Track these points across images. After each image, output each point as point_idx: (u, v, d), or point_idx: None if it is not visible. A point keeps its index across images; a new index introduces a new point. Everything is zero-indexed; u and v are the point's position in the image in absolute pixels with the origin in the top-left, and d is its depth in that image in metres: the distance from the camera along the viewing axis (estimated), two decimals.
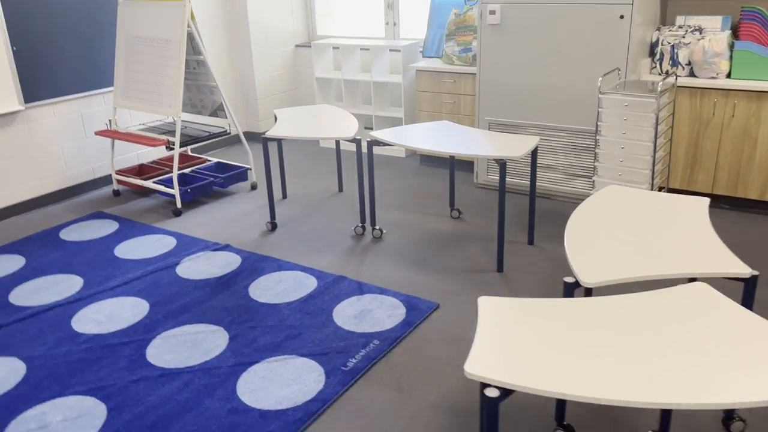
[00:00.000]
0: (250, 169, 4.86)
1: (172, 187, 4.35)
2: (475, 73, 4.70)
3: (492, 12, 4.21)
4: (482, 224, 4.06)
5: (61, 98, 4.56)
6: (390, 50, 5.65)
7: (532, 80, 4.21)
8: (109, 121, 4.80)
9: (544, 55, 4.12)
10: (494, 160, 3.23)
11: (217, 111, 4.64)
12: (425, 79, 4.96)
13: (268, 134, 3.79)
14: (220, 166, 4.97)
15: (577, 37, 3.96)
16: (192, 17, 4.25)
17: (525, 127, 4.35)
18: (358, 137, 3.74)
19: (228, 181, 4.68)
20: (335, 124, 3.98)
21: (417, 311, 3.07)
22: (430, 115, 5.03)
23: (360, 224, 4.00)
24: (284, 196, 4.65)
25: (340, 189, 4.76)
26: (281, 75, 6.16)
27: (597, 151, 3.50)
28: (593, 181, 3.60)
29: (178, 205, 4.35)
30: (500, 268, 3.44)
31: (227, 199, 4.66)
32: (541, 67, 4.15)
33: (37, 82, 4.40)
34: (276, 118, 4.21)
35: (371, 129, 5.98)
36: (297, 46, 6.25)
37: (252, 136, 6.14)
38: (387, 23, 5.81)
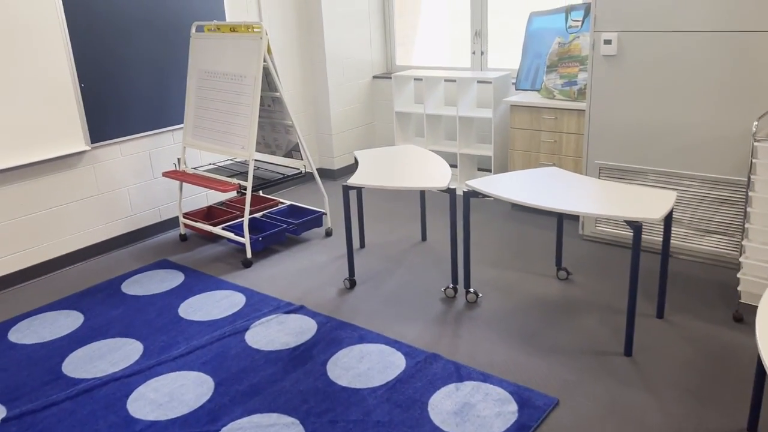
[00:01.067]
0: (325, 214, 4.43)
1: (242, 235, 3.96)
2: (581, 110, 4.14)
3: (607, 42, 3.66)
4: (596, 288, 3.47)
5: (129, 137, 4.26)
6: (478, 82, 5.15)
7: (655, 120, 3.62)
8: (178, 160, 4.47)
9: (672, 90, 3.53)
10: (627, 222, 2.66)
11: (292, 152, 4.24)
12: (521, 114, 4.43)
13: (351, 182, 3.34)
14: (294, 210, 4.56)
15: (718, 70, 3.36)
16: (269, 51, 3.88)
17: (643, 173, 3.75)
18: (452, 186, 3.25)
19: (301, 227, 4.26)
20: (424, 169, 3.50)
21: (532, 409, 2.51)
22: (524, 155, 4.49)
23: (451, 285, 3.48)
24: (362, 245, 4.19)
25: (424, 238, 4.26)
26: (357, 108, 5.76)
27: (749, 209, 2.88)
28: (742, 246, 2.97)
29: (248, 255, 3.95)
30: (628, 351, 2.84)
31: (301, 247, 4.24)
32: (667, 104, 3.56)
33: (105, 121, 4.11)
34: (356, 161, 3.77)
35: (455, 167, 5.47)
36: (375, 77, 5.84)
37: (326, 173, 5.74)
38: (474, 52, 5.33)
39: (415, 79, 5.47)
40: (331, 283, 3.71)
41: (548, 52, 4.45)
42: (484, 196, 3.13)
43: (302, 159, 4.22)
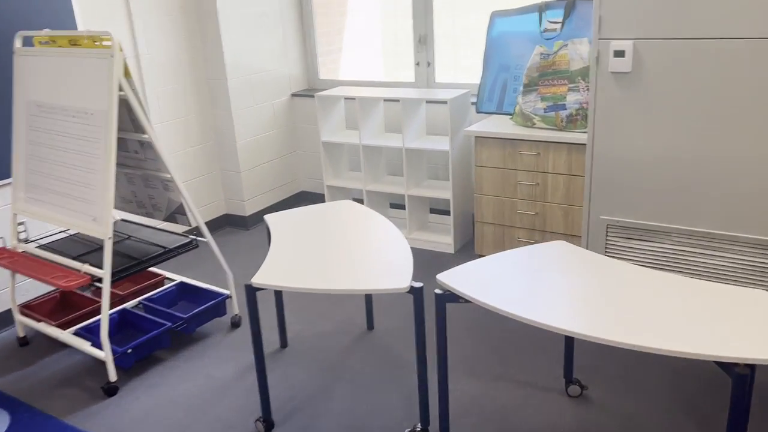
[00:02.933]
0: (230, 297, 3.18)
1: (101, 347, 2.66)
2: (572, 143, 3.07)
3: (619, 53, 2.58)
4: (626, 410, 2.39)
5: None
6: (428, 102, 4.01)
7: (686, 160, 2.58)
8: (7, 236, 3.12)
9: (710, 120, 2.49)
10: (722, 366, 1.57)
11: (176, 215, 2.97)
12: (489, 148, 3.32)
13: (257, 281, 2.13)
14: (186, 291, 3.29)
15: None
16: (126, 74, 2.60)
17: (666, 233, 2.70)
18: (417, 285, 2.09)
19: (195, 322, 3.00)
20: (370, 251, 2.32)
21: None
22: (495, 202, 3.39)
23: (419, 428, 2.32)
24: (283, 344, 2.97)
25: (370, 325, 3.08)
26: (273, 136, 4.51)
27: None
28: None
29: (111, 377, 2.66)
30: None
31: (194, 351, 2.97)
32: (704, 139, 2.52)
33: None
34: (268, 232, 2.56)
35: (402, 208, 4.31)
36: (294, 95, 4.61)
37: (235, 222, 4.47)
38: (418, 63, 4.19)
39: (345, 99, 4.29)
40: (235, 424, 2.48)
41: (525, 66, 3.37)
42: (462, 298, 1.98)
43: (190, 225, 2.96)
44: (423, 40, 4.13)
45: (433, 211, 4.25)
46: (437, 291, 2.04)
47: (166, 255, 2.90)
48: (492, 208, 3.41)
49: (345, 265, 2.19)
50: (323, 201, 4.72)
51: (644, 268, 2.05)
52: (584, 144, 3.04)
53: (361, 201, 4.50)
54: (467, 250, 3.85)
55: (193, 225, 2.95)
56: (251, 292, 2.18)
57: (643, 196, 2.71)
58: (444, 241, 3.86)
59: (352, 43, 4.65)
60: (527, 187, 3.28)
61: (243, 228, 4.43)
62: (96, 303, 3.14)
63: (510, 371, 2.67)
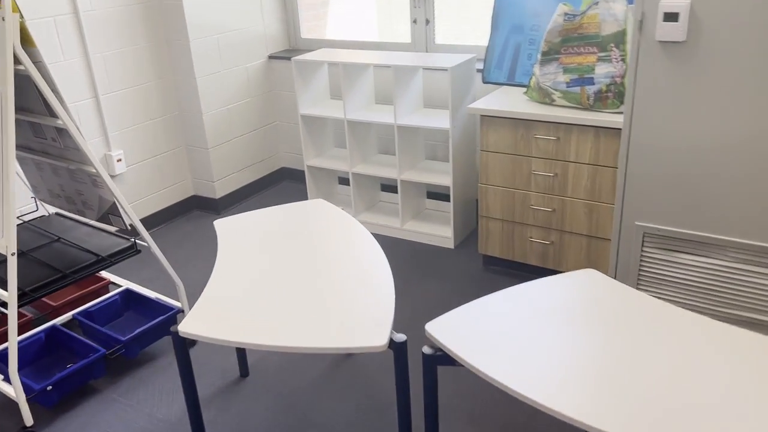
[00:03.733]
0: (182, 312, 2.65)
1: (9, 381, 2.14)
2: (601, 127, 2.48)
3: (670, 17, 1.97)
4: None
5: None
6: (425, 70, 3.40)
7: (755, 157, 2.00)
8: None
9: None
10: None
11: (109, 215, 2.41)
12: (497, 129, 2.73)
13: (185, 330, 1.59)
14: (131, 301, 2.76)
15: None
16: (27, 42, 2.00)
17: (721, 246, 2.14)
18: (399, 338, 1.54)
19: (138, 344, 2.48)
20: (338, 284, 1.76)
21: None
22: (504, 195, 2.81)
23: None
24: (243, 373, 2.45)
25: None
26: (247, 106, 3.91)
27: None
28: None
29: (27, 421, 2.16)
30: None
31: (137, 380, 2.46)
32: None
33: None
34: (218, 245, 2.00)
35: (395, 191, 3.74)
36: (271, 57, 3.99)
37: (205, 204, 3.91)
38: (414, 21, 3.56)
39: (329, 64, 3.66)
40: None
41: (544, 29, 2.76)
42: (456, 362, 1.44)
43: (125, 227, 2.40)
44: None
45: (430, 195, 3.68)
46: (426, 350, 1.50)
47: (98, 265, 2.36)
48: (500, 201, 2.84)
49: (305, 306, 1.64)
50: (305, 183, 4.16)
51: (717, 322, 1.50)
52: (617, 128, 2.45)
53: (347, 183, 3.93)
54: (469, 245, 3.29)
55: (144, 233, 2.40)
56: (179, 343, 1.64)
57: (694, 198, 2.13)
58: (442, 233, 3.30)
59: None
60: (543, 179, 2.70)
61: (213, 212, 3.87)
62: (22, 318, 2.62)
63: None
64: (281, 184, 4.23)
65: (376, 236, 3.45)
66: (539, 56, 2.61)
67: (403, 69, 3.13)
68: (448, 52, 3.50)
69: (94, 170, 2.23)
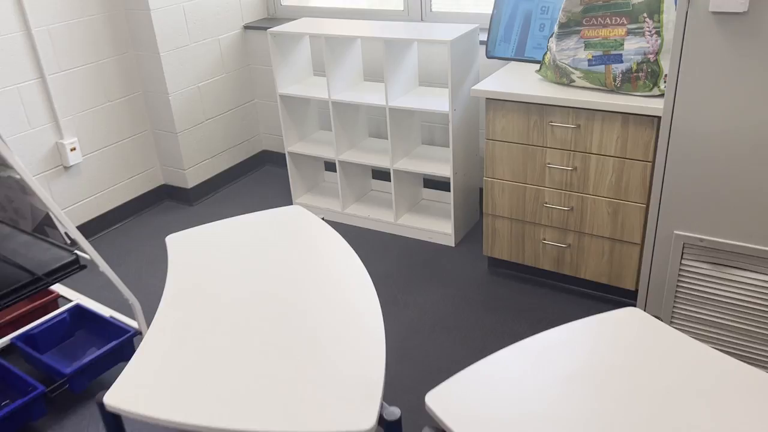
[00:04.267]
0: (139, 335, 2.27)
1: None
2: (632, 114, 2.09)
3: None
4: None
5: None
6: (419, 43, 2.98)
7: None
8: None
9: None
10: None
11: (45, 226, 2.02)
12: (505, 115, 2.33)
13: (111, 402, 1.21)
14: (84, 318, 2.38)
15: None
16: None
17: None
18: (392, 414, 1.18)
19: (87, 375, 2.11)
20: (314, 337, 1.39)
21: None
22: (513, 190, 2.43)
23: None
24: None
25: None
26: (221, 83, 3.49)
27: None
28: None
29: None
30: None
31: (83, 418, 2.10)
32: None
33: None
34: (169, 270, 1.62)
35: (388, 179, 3.35)
36: (247, 27, 3.55)
37: (176, 194, 3.51)
38: None
39: (311, 36, 3.23)
40: None
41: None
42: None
43: (65, 240, 2.01)
44: None
45: (427, 184, 3.29)
46: None
47: (31, 287, 1.97)
48: (508, 197, 2.46)
49: (268, 372, 1.27)
50: (287, 168, 3.76)
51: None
52: (650, 115, 2.05)
53: (334, 169, 3.52)
54: (472, 243, 2.92)
55: (88, 248, 2.00)
56: (107, 417, 1.27)
57: (748, 203, 1.75)
58: (442, 229, 2.92)
59: None
60: (560, 173, 2.31)
61: (185, 203, 3.47)
62: None
63: None
64: (262, 169, 3.83)
65: (367, 232, 3.07)
66: (556, 29, 2.19)
67: (396, 42, 2.71)
68: (446, 22, 3.08)
69: (17, 175, 1.83)
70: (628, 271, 2.33)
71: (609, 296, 2.48)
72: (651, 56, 2.05)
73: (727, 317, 1.90)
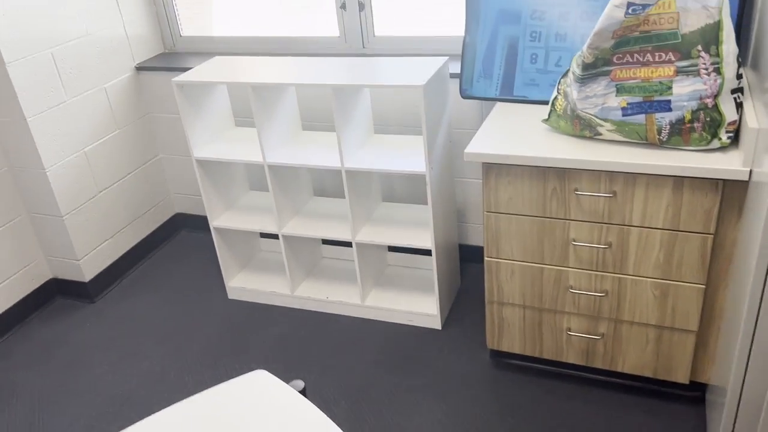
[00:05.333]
0: None
1: None
2: (687, 177, 1.59)
3: None
4: None
5: None
6: (371, 90, 2.36)
7: None
8: None
9: None
10: None
11: None
12: (512, 183, 1.78)
13: None
14: None
15: None
16: None
17: None
18: None
19: None
20: None
21: None
22: (526, 273, 1.89)
23: None
24: None
25: None
26: (113, 143, 2.74)
27: None
28: None
29: None
30: None
31: None
32: None
33: None
34: None
35: (344, 246, 2.74)
36: (139, 68, 2.81)
37: (71, 290, 2.74)
38: (343, 6, 2.51)
39: (232, 85, 2.53)
40: None
41: (552, 19, 1.82)
42: None
43: None
44: None
45: (393, 246, 2.70)
46: None
47: None
48: (519, 281, 1.92)
49: None
50: (210, 232, 3.07)
51: None
52: (715, 178, 1.56)
53: (272, 236, 2.86)
54: (461, 322, 2.36)
55: None
56: None
57: None
58: (423, 309, 2.35)
59: None
60: (589, 251, 1.79)
61: (84, 299, 2.72)
62: None
63: None
64: (178, 237, 3.11)
65: (328, 320, 2.45)
66: (577, 71, 1.65)
67: (345, 89, 2.09)
68: (394, 50, 2.49)
69: None
70: (679, 362, 1.86)
71: (656, 388, 2.01)
72: (709, 100, 1.56)
73: None
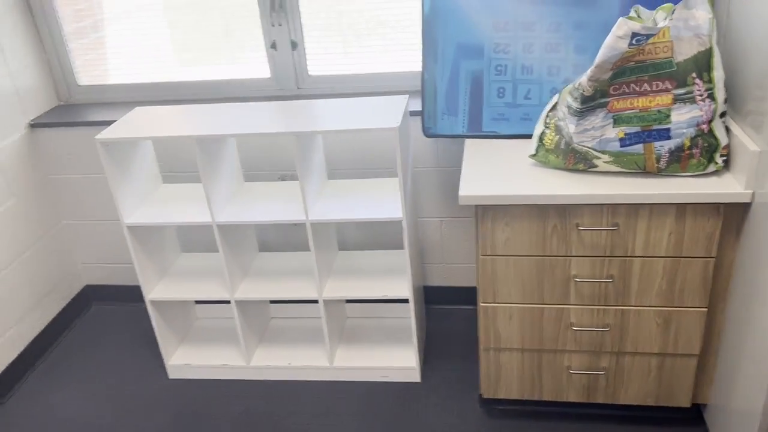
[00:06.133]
0: None
1: None
2: (690, 203, 1.58)
3: None
4: None
5: None
6: (345, 132, 2.19)
7: None
8: None
9: None
10: None
11: None
12: (510, 224, 1.69)
13: None
14: None
15: None
16: None
17: None
18: None
19: None
20: None
21: None
22: (525, 316, 1.80)
23: None
24: None
25: None
26: (5, 216, 2.34)
27: None
28: None
29: None
30: None
31: None
32: None
33: None
34: None
35: (289, 303, 2.52)
36: (34, 125, 2.43)
37: None
38: (273, 46, 2.33)
39: (152, 140, 2.23)
40: None
41: (516, 51, 1.78)
42: None
43: None
44: (280, 3, 2.26)
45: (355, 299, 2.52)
46: None
47: None
48: (518, 324, 1.83)
49: None
50: (130, 301, 2.71)
51: None
52: (716, 203, 1.56)
53: (210, 302, 2.57)
54: (441, 370, 2.23)
55: None
56: None
57: None
58: (399, 362, 2.19)
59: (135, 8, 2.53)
60: (590, 287, 1.74)
61: None
62: None
63: None
64: (90, 313, 2.72)
65: (293, 389, 2.21)
66: (573, 104, 1.60)
67: (304, 136, 1.91)
68: (332, 90, 2.35)
69: None
70: (681, 387, 1.85)
71: (656, 415, 1.99)
72: (705, 126, 1.56)
73: None
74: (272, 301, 2.51)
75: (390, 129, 1.81)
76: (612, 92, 1.58)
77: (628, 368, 1.85)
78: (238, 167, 2.20)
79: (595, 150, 1.63)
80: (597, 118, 1.60)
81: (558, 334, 1.83)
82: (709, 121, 1.56)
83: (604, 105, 1.59)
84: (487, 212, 1.69)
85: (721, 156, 1.59)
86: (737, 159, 1.57)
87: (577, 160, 1.67)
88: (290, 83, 2.39)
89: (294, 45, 2.33)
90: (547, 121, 1.71)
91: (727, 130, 1.60)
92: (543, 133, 1.72)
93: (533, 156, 1.75)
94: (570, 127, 1.62)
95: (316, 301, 2.45)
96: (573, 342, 1.83)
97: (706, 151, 1.58)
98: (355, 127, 1.83)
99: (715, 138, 1.57)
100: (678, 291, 1.71)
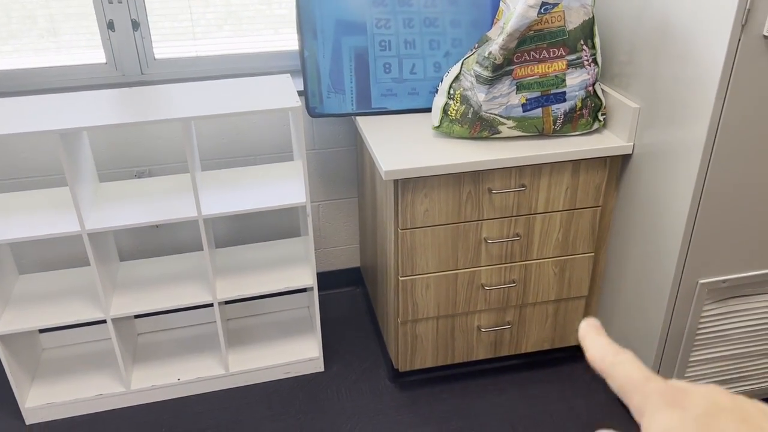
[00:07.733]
0: None
1: None
2: (583, 159, 1.76)
3: None
4: None
5: None
6: (246, 115, 1.98)
7: None
8: None
9: None
10: None
11: None
12: (428, 195, 1.72)
13: None
14: None
15: None
16: None
17: None
18: None
19: None
20: None
21: None
22: (441, 283, 1.85)
23: None
24: None
25: None
26: None
27: None
28: None
29: None
30: None
31: None
32: None
33: None
34: None
35: (160, 314, 2.26)
36: None
37: None
38: (110, 26, 2.05)
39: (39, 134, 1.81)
40: None
41: (397, 24, 1.81)
42: None
43: None
44: None
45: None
46: None
47: None
48: (434, 293, 1.86)
49: None
50: None
51: None
52: (600, 157, 1.75)
53: (56, 328, 2.19)
54: (343, 359, 2.18)
55: None
56: None
57: None
58: (298, 355, 2.09)
59: None
60: (499, 247, 1.84)
61: None
62: None
63: None
64: None
65: (186, 405, 2.00)
66: (482, 72, 1.66)
67: (192, 123, 1.71)
68: (182, 74, 2.15)
69: None
70: (572, 328, 2.05)
71: (551, 357, 2.17)
72: (590, 88, 1.74)
73: (748, 345, 1.81)
74: (136, 316, 2.22)
75: (292, 108, 1.71)
76: (515, 60, 1.68)
77: (529, 318, 2.00)
78: (93, 167, 1.90)
79: (502, 116, 1.72)
80: (504, 86, 1.69)
81: (470, 296, 1.90)
82: (594, 84, 1.74)
83: (510, 73, 1.68)
84: (407, 185, 1.69)
85: (602, 114, 1.79)
86: (616, 116, 1.78)
87: (482, 128, 1.74)
88: (133, 69, 2.12)
89: (136, 25, 2.07)
90: (451, 92, 1.75)
91: (602, 91, 1.80)
92: (447, 105, 1.76)
93: (437, 128, 1.79)
94: (479, 96, 1.69)
95: (210, 305, 2.23)
96: (483, 301, 1.92)
97: (593, 111, 1.76)
98: (252, 109, 1.69)
99: (599, 98, 1.76)
100: (572, 240, 1.89)
